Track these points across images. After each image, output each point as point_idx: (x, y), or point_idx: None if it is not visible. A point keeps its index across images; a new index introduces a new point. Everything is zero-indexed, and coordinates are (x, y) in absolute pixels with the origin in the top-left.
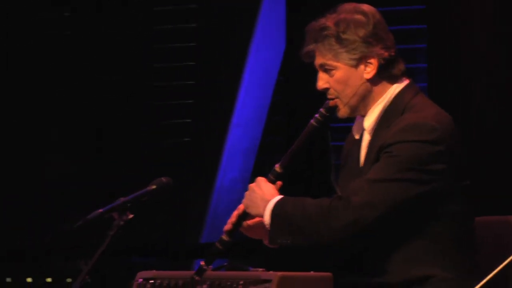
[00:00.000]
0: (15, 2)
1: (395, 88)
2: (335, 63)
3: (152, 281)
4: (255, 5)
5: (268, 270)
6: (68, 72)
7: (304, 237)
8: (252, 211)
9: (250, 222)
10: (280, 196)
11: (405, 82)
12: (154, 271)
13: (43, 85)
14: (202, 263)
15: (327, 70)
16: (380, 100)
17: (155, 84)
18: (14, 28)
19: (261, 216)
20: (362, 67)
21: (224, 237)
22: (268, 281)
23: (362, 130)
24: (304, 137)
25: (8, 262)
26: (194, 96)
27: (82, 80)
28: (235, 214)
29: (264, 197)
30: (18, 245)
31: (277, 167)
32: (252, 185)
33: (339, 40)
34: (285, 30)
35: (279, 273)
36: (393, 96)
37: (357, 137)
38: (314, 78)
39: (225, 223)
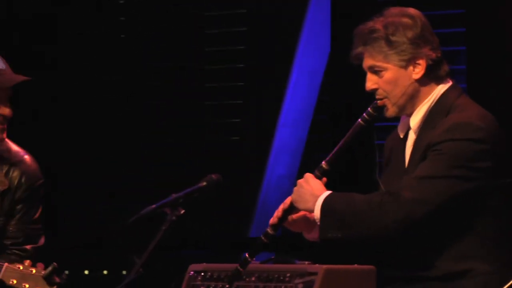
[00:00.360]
0: None
1: (441, 89)
2: (385, 65)
3: (203, 274)
4: (301, 9)
5: (313, 263)
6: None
7: (354, 231)
8: (301, 205)
9: (294, 216)
10: (328, 192)
11: (449, 83)
12: (205, 264)
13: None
14: (247, 255)
15: (376, 71)
16: (426, 100)
17: (207, 85)
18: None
19: (309, 210)
20: (411, 68)
21: (269, 230)
22: (314, 273)
23: (407, 129)
24: (351, 135)
25: (66, 256)
26: (243, 97)
27: (140, 82)
28: (281, 208)
29: (313, 192)
30: (76, 240)
31: (323, 164)
32: (300, 181)
33: (389, 42)
34: (330, 33)
35: (324, 266)
36: (438, 96)
37: (402, 135)
38: (357, 80)
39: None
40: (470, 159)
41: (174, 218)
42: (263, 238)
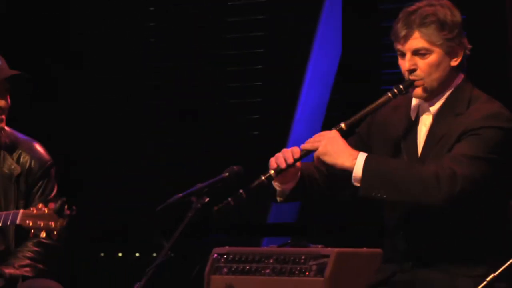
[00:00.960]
0: None
1: (457, 80)
2: (433, 48)
3: (225, 256)
4: (316, 13)
5: (326, 247)
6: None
7: (405, 196)
8: (330, 160)
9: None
10: (364, 153)
11: (462, 75)
12: (227, 247)
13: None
14: (241, 191)
15: (421, 54)
16: (449, 88)
17: (229, 85)
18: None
19: (341, 165)
20: (453, 55)
21: (272, 173)
22: (326, 256)
23: (420, 113)
24: (377, 105)
25: (101, 239)
26: (262, 95)
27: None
28: (290, 155)
29: (348, 150)
30: (110, 225)
31: (343, 125)
32: (329, 136)
33: (443, 27)
34: (341, 36)
35: (336, 249)
36: (455, 86)
37: (413, 118)
38: (366, 78)
39: (288, 207)
40: (504, 145)
41: (199, 206)
42: (264, 178)
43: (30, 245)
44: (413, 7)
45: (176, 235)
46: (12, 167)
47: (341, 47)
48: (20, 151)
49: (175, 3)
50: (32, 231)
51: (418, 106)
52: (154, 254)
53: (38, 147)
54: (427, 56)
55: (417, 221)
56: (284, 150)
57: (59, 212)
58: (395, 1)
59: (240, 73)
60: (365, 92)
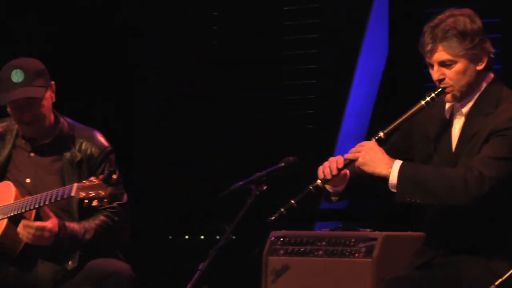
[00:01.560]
0: None
1: (487, 80)
2: (457, 59)
3: (282, 239)
4: (364, 17)
5: (374, 230)
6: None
7: (435, 199)
8: (369, 169)
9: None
10: (399, 161)
11: (492, 75)
12: (284, 231)
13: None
14: (293, 201)
15: (447, 64)
16: (478, 89)
17: (285, 83)
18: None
19: (379, 174)
20: (476, 61)
21: (320, 184)
22: (374, 239)
23: (454, 113)
24: (412, 113)
25: (170, 223)
26: (316, 93)
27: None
28: (334, 166)
29: (384, 159)
30: (178, 210)
31: (381, 134)
32: (367, 147)
33: (463, 38)
34: (388, 37)
35: (384, 233)
36: (485, 86)
37: (447, 118)
38: (411, 78)
39: None
40: None
41: (258, 193)
42: (312, 188)
43: (97, 216)
44: (436, 21)
45: (237, 219)
46: (74, 154)
47: (387, 47)
48: (81, 140)
49: (238, 8)
50: (86, 201)
51: (452, 107)
52: (217, 237)
53: (98, 135)
54: (452, 66)
55: (451, 214)
56: (330, 159)
57: (106, 180)
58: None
59: (296, 72)
60: (410, 89)
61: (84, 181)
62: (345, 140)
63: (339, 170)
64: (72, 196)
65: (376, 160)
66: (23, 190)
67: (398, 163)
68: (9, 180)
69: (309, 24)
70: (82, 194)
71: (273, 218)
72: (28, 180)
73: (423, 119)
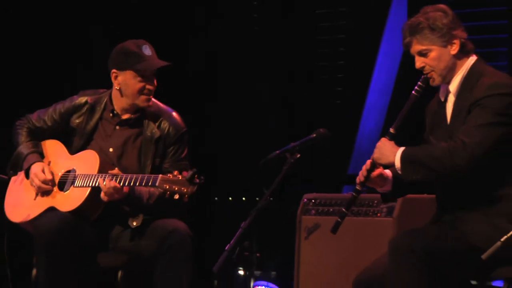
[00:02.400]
0: None
1: (470, 61)
2: (430, 47)
3: (313, 200)
4: (387, 4)
5: None
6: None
7: (432, 172)
8: (383, 161)
9: (374, 174)
10: (403, 147)
11: (475, 57)
12: (315, 193)
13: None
14: (344, 209)
15: (423, 54)
16: (461, 70)
17: (319, 64)
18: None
19: (391, 163)
20: (449, 46)
21: (358, 187)
22: (394, 200)
23: (446, 94)
24: (409, 105)
25: (214, 185)
26: (346, 73)
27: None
28: (364, 169)
29: (392, 149)
30: (225, 176)
31: (391, 130)
32: (379, 144)
33: (432, 30)
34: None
35: None
36: (469, 66)
37: (442, 99)
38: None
39: (365, 161)
40: (504, 108)
41: (292, 160)
42: (354, 194)
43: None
44: (412, 19)
45: (275, 183)
46: (154, 131)
47: None
48: (161, 118)
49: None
50: (168, 193)
51: (445, 89)
52: (257, 199)
53: (176, 116)
54: (428, 54)
55: (454, 178)
56: (363, 167)
57: (190, 180)
58: None
59: (327, 55)
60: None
61: (169, 175)
62: (369, 113)
63: (369, 170)
64: (156, 186)
65: (386, 152)
66: (106, 158)
67: (400, 150)
68: (93, 147)
69: (339, 13)
70: (166, 186)
71: (333, 228)
72: (111, 150)
73: (431, 108)
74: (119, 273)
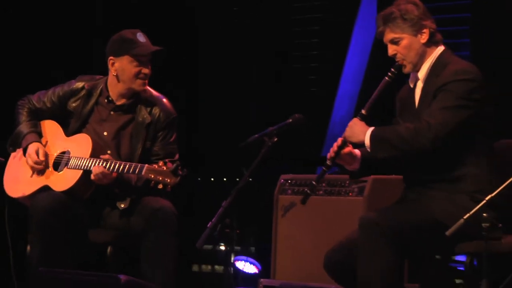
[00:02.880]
0: None
1: (438, 50)
2: (402, 35)
3: (290, 181)
4: (354, 10)
5: None
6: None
7: (397, 150)
8: (354, 139)
9: (344, 151)
10: (372, 127)
11: (443, 47)
12: (291, 174)
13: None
14: (313, 182)
15: (395, 42)
16: (429, 58)
17: (294, 53)
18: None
19: (361, 141)
20: (419, 35)
21: (328, 162)
22: (365, 181)
23: (415, 80)
24: (381, 89)
25: (198, 165)
26: (320, 64)
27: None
28: (335, 146)
29: (362, 129)
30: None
31: (363, 111)
32: (350, 123)
33: (403, 19)
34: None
35: (372, 176)
36: (437, 55)
37: (412, 85)
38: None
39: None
40: (468, 92)
41: (270, 143)
42: (324, 168)
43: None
44: (386, 10)
45: (253, 165)
46: (145, 117)
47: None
48: (153, 105)
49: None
50: (152, 182)
51: (414, 76)
52: (237, 179)
53: (167, 103)
54: (400, 42)
55: (417, 158)
56: (334, 144)
57: (174, 172)
58: None
59: (302, 45)
60: (392, 62)
61: (154, 165)
62: (341, 101)
63: (339, 147)
64: (142, 175)
65: (356, 131)
66: (100, 141)
67: (370, 130)
68: (88, 130)
69: (314, 6)
70: (151, 176)
71: (302, 199)
72: (105, 133)
73: (401, 95)
74: (109, 249)
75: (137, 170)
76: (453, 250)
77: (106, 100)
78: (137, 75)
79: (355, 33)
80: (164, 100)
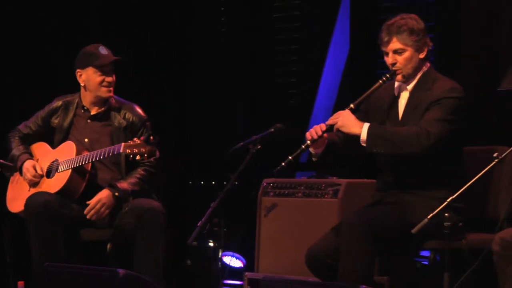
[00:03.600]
0: None
1: (425, 67)
2: (407, 48)
3: (272, 184)
4: (332, 19)
5: (339, 178)
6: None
7: (394, 148)
8: (346, 129)
9: (324, 136)
10: (368, 123)
11: (429, 64)
12: (273, 178)
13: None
14: (290, 157)
15: (398, 52)
16: (419, 72)
17: (277, 70)
18: None
19: (354, 133)
20: (420, 51)
21: (308, 142)
22: (339, 184)
23: (401, 90)
24: (374, 89)
25: (189, 172)
26: (297, 76)
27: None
28: (319, 129)
29: (356, 122)
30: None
31: (352, 105)
32: (344, 113)
33: (412, 33)
34: (349, 34)
35: (346, 180)
36: (424, 71)
37: (396, 94)
38: (366, 66)
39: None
40: (458, 109)
41: (254, 151)
42: (303, 146)
43: (138, 170)
44: (392, 21)
45: (239, 170)
46: (120, 122)
47: (349, 42)
48: (125, 111)
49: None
50: (131, 156)
51: (399, 86)
52: (224, 183)
53: (137, 108)
54: (403, 53)
55: (399, 163)
56: (315, 126)
57: (146, 141)
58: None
59: (283, 62)
60: (365, 74)
61: (129, 141)
62: (317, 112)
63: (323, 132)
64: (120, 152)
65: (351, 122)
66: (82, 147)
67: (367, 124)
68: (71, 140)
69: (293, 27)
70: (128, 151)
71: (276, 170)
72: (86, 140)
73: (377, 97)
74: (108, 245)
75: (116, 150)
76: (422, 247)
77: (82, 110)
78: (101, 83)
79: (331, 50)
80: (135, 106)
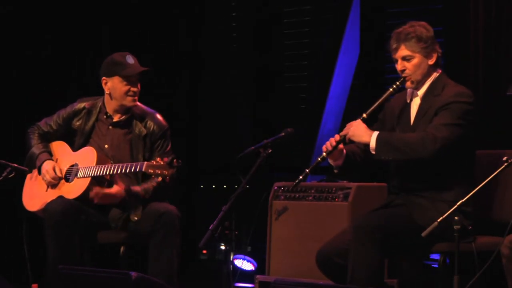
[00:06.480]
0: None
1: (436, 73)
2: (415, 54)
3: (283, 188)
4: (341, 22)
5: (349, 181)
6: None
7: (401, 155)
8: (356, 138)
9: (340, 146)
10: (377, 131)
11: (440, 70)
12: (284, 182)
13: None
14: (307, 170)
15: (407, 59)
16: (429, 79)
17: (286, 75)
18: None
19: (364, 141)
20: (429, 57)
21: (324, 154)
22: (349, 188)
23: (413, 97)
24: (385, 97)
25: (213, 175)
26: (309, 83)
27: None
28: (333, 141)
29: (366, 131)
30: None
31: (364, 115)
32: (355, 123)
33: (420, 40)
34: (360, 40)
35: (356, 183)
36: (435, 77)
37: (408, 100)
38: (377, 71)
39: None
40: (466, 114)
41: (265, 155)
42: (319, 159)
43: (152, 180)
44: (400, 29)
45: (250, 173)
46: (141, 130)
47: (359, 47)
48: (147, 119)
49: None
50: (153, 176)
51: (411, 92)
52: (236, 186)
53: (159, 117)
54: (411, 60)
55: (409, 166)
56: (330, 139)
57: (170, 164)
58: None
59: (293, 67)
60: (375, 78)
61: (152, 161)
62: (328, 116)
63: (337, 143)
64: (142, 171)
65: (361, 132)
66: (102, 153)
67: (376, 133)
68: (92, 145)
69: (303, 32)
70: (150, 171)
71: (295, 183)
72: (106, 146)
73: (391, 106)
74: (122, 248)
75: (138, 168)
76: (430, 250)
77: (105, 116)
78: (127, 93)
79: (340, 56)
80: (157, 114)
